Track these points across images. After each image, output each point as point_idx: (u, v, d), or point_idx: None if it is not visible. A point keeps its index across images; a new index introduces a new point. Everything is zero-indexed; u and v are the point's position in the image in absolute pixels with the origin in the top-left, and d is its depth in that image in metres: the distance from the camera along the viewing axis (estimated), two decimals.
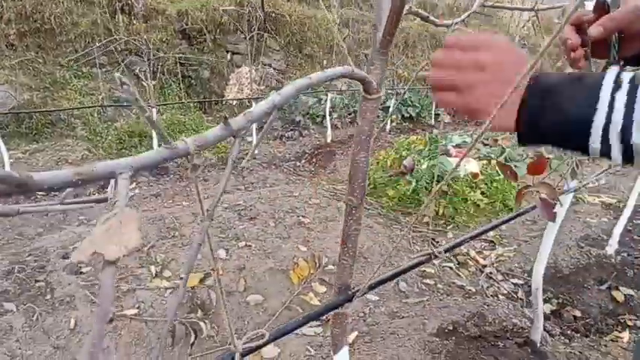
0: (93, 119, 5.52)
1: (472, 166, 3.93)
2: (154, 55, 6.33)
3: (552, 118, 0.45)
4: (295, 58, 9.23)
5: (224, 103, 7.96)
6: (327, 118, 6.26)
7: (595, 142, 0.44)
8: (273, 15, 8.50)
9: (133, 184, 3.97)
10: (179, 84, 7.05)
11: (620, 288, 2.52)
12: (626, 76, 0.43)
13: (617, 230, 2.75)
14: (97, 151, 4.67)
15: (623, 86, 0.42)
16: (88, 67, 6.24)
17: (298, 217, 3.15)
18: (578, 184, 1.69)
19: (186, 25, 7.70)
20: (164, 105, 5.92)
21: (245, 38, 7.89)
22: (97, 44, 6.33)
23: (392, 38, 0.57)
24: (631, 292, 2.48)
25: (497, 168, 4.35)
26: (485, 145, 5.72)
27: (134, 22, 6.74)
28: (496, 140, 5.83)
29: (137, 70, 6.55)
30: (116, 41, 6.02)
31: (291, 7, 9.23)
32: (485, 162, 4.43)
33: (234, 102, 7.98)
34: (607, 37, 0.58)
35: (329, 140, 6.15)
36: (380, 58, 0.59)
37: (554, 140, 0.47)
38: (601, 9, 0.58)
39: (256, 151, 5.29)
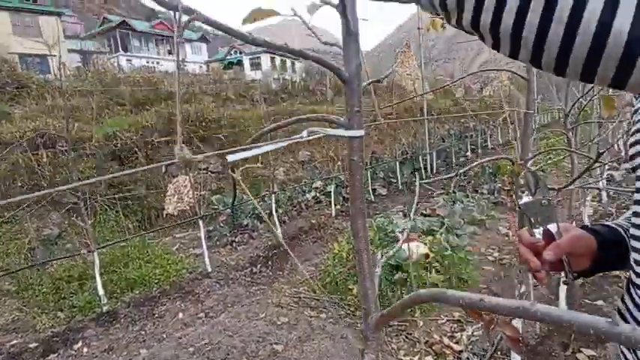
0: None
1: (422, 248, 4.17)
2: (83, 184, 6.11)
3: None
4: None
5: (165, 216, 7.73)
6: (274, 215, 6.35)
7: None
8: (204, 123, 8.82)
9: (80, 343, 3.57)
10: (115, 207, 6.79)
11: (582, 350, 2.73)
12: None
13: (562, 294, 3.04)
14: (30, 309, 4.18)
15: None
16: (11, 210, 5.81)
17: (271, 345, 3.04)
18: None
19: (116, 147, 7.66)
20: (103, 235, 5.60)
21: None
22: (19, 184, 5.99)
23: (388, 321, 0.68)
24: (592, 352, 2.69)
25: (443, 242, 4.66)
26: (424, 216, 6.14)
27: (59, 154, 6.56)
28: (434, 210, 6.30)
29: (67, 204, 6.23)
30: (41, 179, 5.74)
31: (219, 112, 9.68)
32: (430, 238, 4.73)
33: (176, 213, 7.79)
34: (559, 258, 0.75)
35: (280, 238, 6.17)
36: (374, 336, 0.70)
37: None
38: (548, 236, 0.76)
39: (209, 268, 5.12)
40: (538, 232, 0.80)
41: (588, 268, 0.79)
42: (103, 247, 4.52)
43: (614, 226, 0.82)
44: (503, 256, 4.83)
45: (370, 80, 0.87)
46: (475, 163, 1.78)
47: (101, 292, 4.08)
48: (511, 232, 5.55)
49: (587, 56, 0.33)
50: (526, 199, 0.83)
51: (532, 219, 0.77)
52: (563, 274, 0.81)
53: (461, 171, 1.64)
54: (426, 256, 4.20)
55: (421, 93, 13.00)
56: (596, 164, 1.74)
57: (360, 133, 0.61)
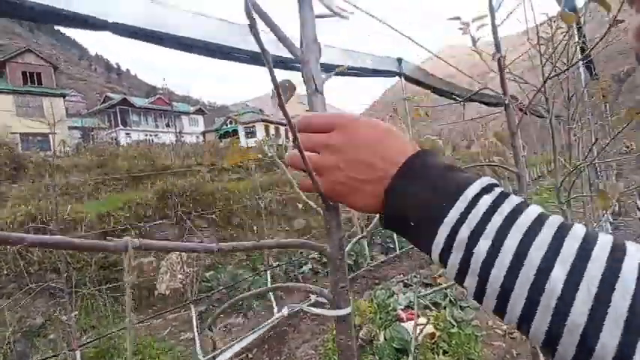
0: None
1: (427, 327, 3.95)
2: (72, 268, 5.91)
3: (413, 203, 0.40)
4: (225, 230, 9.34)
5: (156, 295, 7.41)
6: (270, 292, 6.11)
7: (440, 240, 0.37)
8: (199, 198, 8.82)
9: None
10: (103, 293, 6.50)
11: None
12: (500, 189, 0.39)
13: None
14: None
15: (493, 192, 0.37)
16: None
17: None
18: None
19: (108, 226, 7.55)
20: (90, 323, 5.29)
21: (172, 225, 7.92)
22: (5, 272, 5.78)
23: None
24: None
25: (448, 317, 4.45)
26: (426, 285, 5.93)
27: None
28: (435, 278, 6.11)
29: (54, 290, 5.98)
30: (28, 265, 5.56)
31: (213, 185, 9.74)
32: (434, 313, 4.50)
33: (167, 292, 7.49)
34: None
35: None
36: None
37: (413, 230, 0.41)
38: None
39: (201, 358, 4.77)
40: None
41: None
42: (87, 344, 4.23)
43: None
44: (512, 329, 4.58)
45: (362, 235, 0.84)
46: None
47: None
48: None
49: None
50: None
51: None
52: None
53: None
54: (432, 335, 3.97)
55: None
56: None
57: (347, 311, 0.57)
